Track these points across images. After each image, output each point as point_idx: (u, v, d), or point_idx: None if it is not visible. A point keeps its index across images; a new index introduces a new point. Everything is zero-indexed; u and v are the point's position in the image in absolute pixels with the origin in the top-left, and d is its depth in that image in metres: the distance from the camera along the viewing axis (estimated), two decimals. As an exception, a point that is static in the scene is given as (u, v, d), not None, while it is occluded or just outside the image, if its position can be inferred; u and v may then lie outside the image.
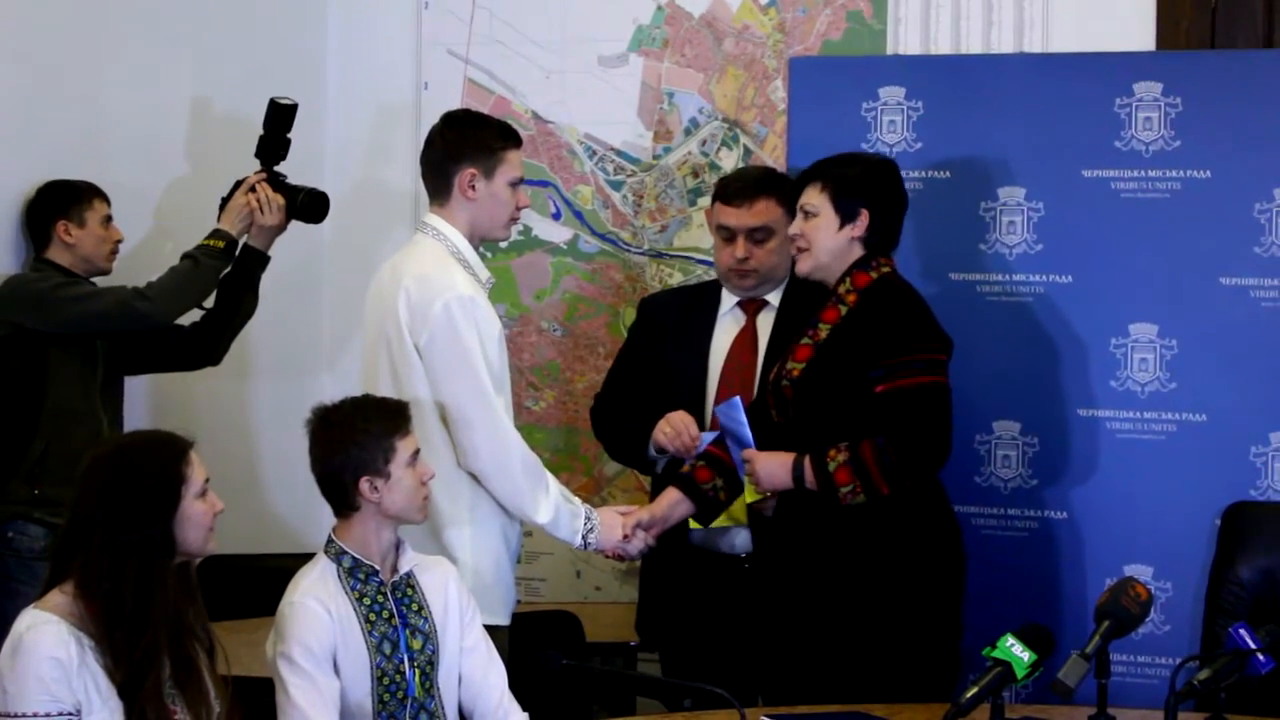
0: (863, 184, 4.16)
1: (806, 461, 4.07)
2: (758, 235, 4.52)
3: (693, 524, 4.44)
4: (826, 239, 4.16)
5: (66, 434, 4.70)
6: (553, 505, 4.11)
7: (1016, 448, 4.75)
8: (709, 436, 4.40)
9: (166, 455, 3.31)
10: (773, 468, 4.14)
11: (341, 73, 5.99)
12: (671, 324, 4.68)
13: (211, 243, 4.90)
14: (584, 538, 4.18)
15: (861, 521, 4.06)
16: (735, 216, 4.53)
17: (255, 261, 5.00)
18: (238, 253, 4.96)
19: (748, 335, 4.60)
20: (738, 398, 4.28)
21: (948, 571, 4.15)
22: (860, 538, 4.07)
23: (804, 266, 4.22)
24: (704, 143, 5.63)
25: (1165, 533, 4.60)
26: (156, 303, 4.77)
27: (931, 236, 4.70)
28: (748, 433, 4.24)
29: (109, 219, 4.92)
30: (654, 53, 5.68)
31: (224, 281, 4.96)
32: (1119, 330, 4.67)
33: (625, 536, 4.23)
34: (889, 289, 4.14)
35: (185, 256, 4.88)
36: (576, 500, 4.22)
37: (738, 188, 4.57)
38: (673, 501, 4.32)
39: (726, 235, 4.56)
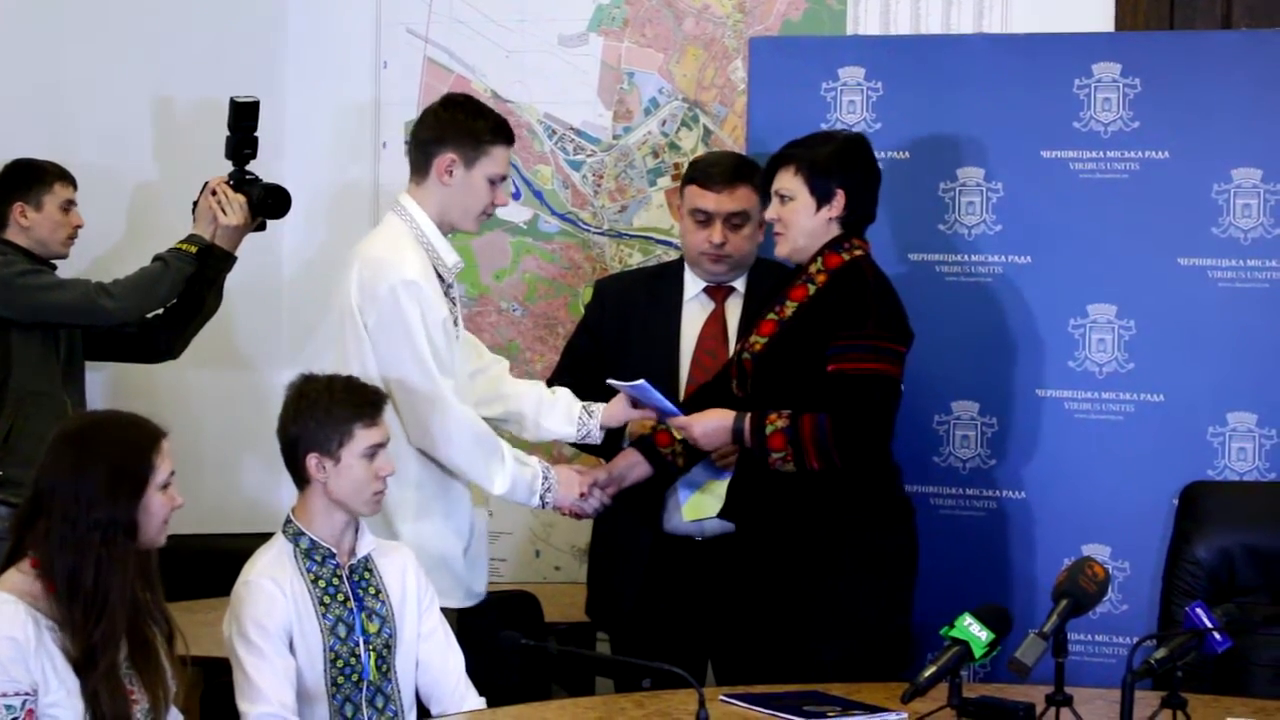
0: (836, 163, 4.14)
1: (746, 420, 4.08)
2: (735, 220, 4.48)
3: (686, 514, 4.47)
4: (804, 222, 4.14)
5: (31, 416, 4.70)
6: (509, 475, 4.11)
7: (975, 428, 4.76)
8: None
9: (140, 438, 3.30)
10: (711, 426, 4.15)
11: (300, 51, 5.94)
12: (635, 308, 4.64)
13: (184, 246, 4.90)
14: (541, 497, 4.19)
15: (814, 500, 4.07)
16: (715, 201, 4.47)
17: (220, 261, 4.97)
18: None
19: (717, 321, 4.57)
20: (641, 380, 4.20)
21: (899, 550, 4.15)
22: (812, 516, 4.07)
23: (782, 250, 4.20)
24: (664, 123, 5.62)
25: (1123, 512, 4.63)
26: (120, 300, 4.76)
27: (891, 217, 4.68)
28: (669, 403, 4.22)
29: (71, 204, 4.89)
30: (614, 32, 5.67)
31: (188, 279, 4.93)
32: (1077, 311, 4.69)
33: (582, 495, 4.24)
34: (858, 272, 4.12)
35: (156, 258, 4.87)
36: (532, 460, 4.21)
37: (718, 172, 4.50)
38: (630, 462, 4.33)
39: (702, 219, 4.50)
